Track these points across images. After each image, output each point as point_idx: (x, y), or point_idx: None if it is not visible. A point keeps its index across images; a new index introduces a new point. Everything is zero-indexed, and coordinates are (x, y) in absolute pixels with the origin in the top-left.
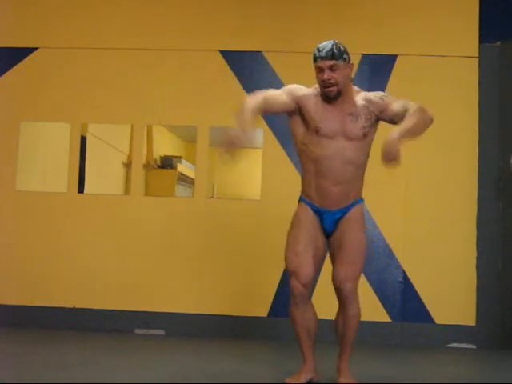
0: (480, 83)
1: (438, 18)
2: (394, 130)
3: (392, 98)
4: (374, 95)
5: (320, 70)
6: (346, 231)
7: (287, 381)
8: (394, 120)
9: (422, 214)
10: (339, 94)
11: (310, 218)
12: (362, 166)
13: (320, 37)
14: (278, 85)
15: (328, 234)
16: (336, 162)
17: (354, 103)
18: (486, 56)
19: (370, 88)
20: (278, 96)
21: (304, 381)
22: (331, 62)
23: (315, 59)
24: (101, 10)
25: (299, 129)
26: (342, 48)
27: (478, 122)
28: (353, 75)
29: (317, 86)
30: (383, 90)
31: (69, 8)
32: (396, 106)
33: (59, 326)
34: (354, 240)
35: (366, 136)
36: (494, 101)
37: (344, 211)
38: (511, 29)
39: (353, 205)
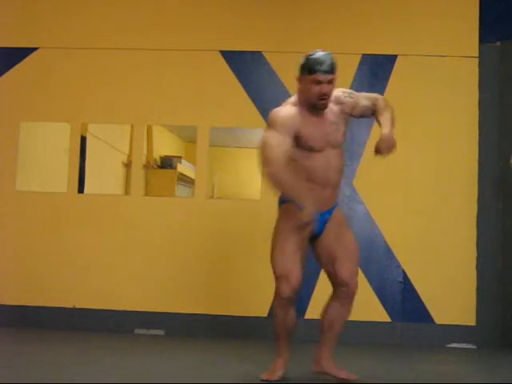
0: (480, 83)
1: (438, 18)
2: (384, 130)
3: (355, 92)
4: (342, 95)
5: (317, 83)
6: (343, 231)
7: (263, 377)
8: (364, 114)
9: (421, 214)
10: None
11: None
12: (343, 169)
13: (320, 37)
14: (278, 85)
15: (315, 236)
16: (325, 170)
17: (332, 111)
18: (486, 56)
19: (369, 88)
20: (287, 144)
21: (277, 377)
22: (331, 76)
23: (314, 71)
24: (100, 10)
25: None
26: (335, 60)
27: (478, 122)
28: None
29: (292, 98)
30: (383, 90)
31: (68, 8)
32: (364, 101)
33: (59, 326)
34: (351, 239)
35: (344, 139)
36: (494, 101)
37: (330, 212)
38: (511, 29)
39: (336, 206)
